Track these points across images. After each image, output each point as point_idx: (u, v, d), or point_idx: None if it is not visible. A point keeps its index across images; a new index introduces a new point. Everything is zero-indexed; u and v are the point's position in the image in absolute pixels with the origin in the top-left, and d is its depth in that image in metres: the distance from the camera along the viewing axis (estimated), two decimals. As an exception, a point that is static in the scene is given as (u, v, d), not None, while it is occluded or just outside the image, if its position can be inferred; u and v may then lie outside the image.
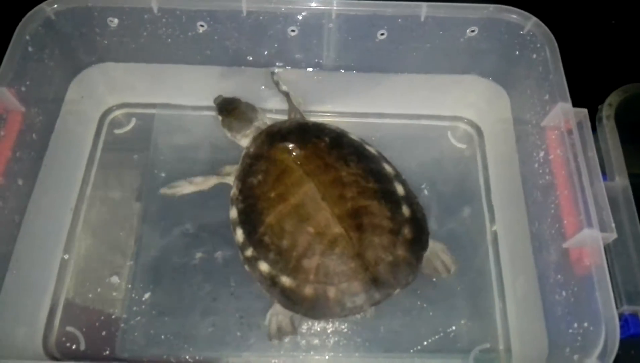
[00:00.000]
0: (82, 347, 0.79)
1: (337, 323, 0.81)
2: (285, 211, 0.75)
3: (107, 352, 0.79)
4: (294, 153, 0.80)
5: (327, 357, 0.79)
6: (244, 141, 0.88)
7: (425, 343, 0.80)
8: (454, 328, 0.81)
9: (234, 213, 0.81)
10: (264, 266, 0.76)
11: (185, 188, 0.88)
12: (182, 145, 0.97)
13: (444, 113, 0.99)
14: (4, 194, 0.71)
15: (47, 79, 0.82)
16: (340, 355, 0.80)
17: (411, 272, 0.74)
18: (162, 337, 0.80)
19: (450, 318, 0.82)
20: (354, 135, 0.88)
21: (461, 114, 0.99)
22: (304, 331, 0.81)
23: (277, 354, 0.80)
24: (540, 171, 0.76)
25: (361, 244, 0.72)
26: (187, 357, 0.79)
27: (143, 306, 0.82)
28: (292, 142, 0.82)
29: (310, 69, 0.93)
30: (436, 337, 0.81)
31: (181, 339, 0.80)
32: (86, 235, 0.88)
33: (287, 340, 0.79)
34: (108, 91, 0.96)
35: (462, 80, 0.94)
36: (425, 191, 0.92)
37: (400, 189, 0.81)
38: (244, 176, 0.82)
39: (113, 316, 0.81)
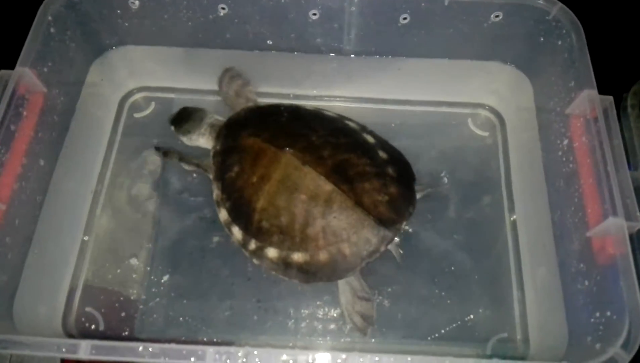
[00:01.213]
0: (101, 327, 0.80)
1: (354, 309, 0.81)
2: (272, 189, 0.74)
3: (126, 333, 0.80)
4: (261, 135, 0.79)
5: (342, 341, 0.80)
6: (204, 140, 0.88)
7: (442, 331, 0.80)
8: (471, 317, 0.81)
9: (223, 214, 0.80)
10: (271, 252, 0.75)
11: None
12: (200, 130, 0.97)
13: (465, 100, 0.98)
14: (26, 175, 0.71)
15: (69, 61, 0.82)
16: (357, 341, 0.80)
17: (410, 203, 0.77)
18: (180, 318, 0.81)
19: (468, 307, 0.81)
20: (309, 106, 0.89)
21: (482, 101, 0.98)
22: (320, 316, 0.81)
23: (294, 338, 0.80)
24: (564, 159, 0.75)
25: (355, 193, 0.72)
26: (205, 339, 0.79)
27: (162, 289, 0.82)
28: (255, 126, 0.82)
29: (332, 54, 0.92)
30: (454, 325, 0.80)
31: (199, 321, 0.80)
32: (106, 217, 0.88)
33: (300, 307, 0.81)
34: (128, 74, 0.97)
35: (485, 66, 0.92)
36: (445, 179, 0.91)
37: (370, 138, 0.83)
38: (221, 174, 0.80)
39: (132, 298, 0.82)
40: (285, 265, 0.75)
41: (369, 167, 0.76)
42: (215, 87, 0.98)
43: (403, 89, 0.97)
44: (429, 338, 0.80)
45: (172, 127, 0.90)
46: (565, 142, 0.75)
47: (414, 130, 0.96)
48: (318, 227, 0.73)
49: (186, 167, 0.89)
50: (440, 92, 0.97)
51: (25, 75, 0.72)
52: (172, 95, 0.99)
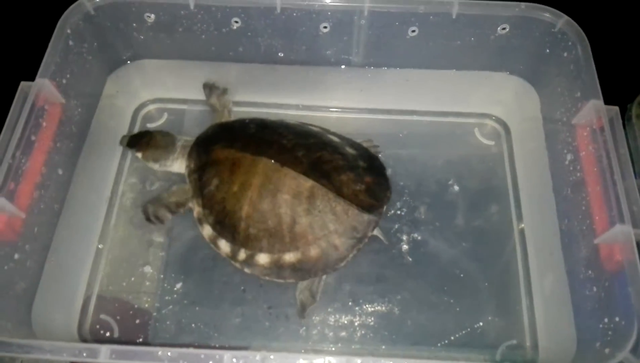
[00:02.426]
0: (116, 334, 0.81)
1: (364, 316, 0.82)
2: (255, 195, 0.76)
3: (140, 339, 0.81)
4: (234, 146, 0.80)
5: (353, 348, 0.80)
6: (176, 165, 0.88)
7: (452, 337, 0.81)
8: (480, 324, 0.82)
9: (207, 230, 0.80)
10: (263, 258, 0.77)
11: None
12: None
13: (471, 110, 1.00)
14: (45, 183, 0.73)
15: (86, 73, 0.84)
16: (367, 347, 0.80)
17: (386, 188, 0.81)
18: (193, 325, 0.82)
19: (477, 314, 0.82)
20: (273, 118, 0.89)
21: (489, 111, 0.99)
22: (331, 323, 0.82)
23: (305, 345, 0.81)
24: (571, 168, 0.76)
25: (335, 186, 0.75)
26: (217, 345, 0.80)
27: (174, 296, 0.84)
28: (226, 139, 0.83)
29: (342, 66, 0.94)
30: (463, 332, 0.81)
31: (211, 328, 0.82)
32: (120, 226, 0.90)
33: (311, 313, 0.82)
34: (142, 86, 0.99)
35: (491, 77, 0.94)
36: (452, 188, 0.93)
37: (335, 138, 0.86)
38: (200, 191, 0.81)
39: (145, 305, 0.83)
40: (278, 267, 0.77)
41: (341, 161, 0.78)
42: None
43: (411, 100, 0.99)
44: (438, 344, 0.81)
45: (137, 153, 0.88)
46: (572, 151, 0.76)
47: (421, 139, 0.97)
48: (305, 224, 0.74)
49: (168, 215, 0.86)
50: (448, 103, 0.99)
51: (45, 86, 0.74)
52: (184, 106, 1.01)
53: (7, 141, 0.68)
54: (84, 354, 0.57)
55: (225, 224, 0.78)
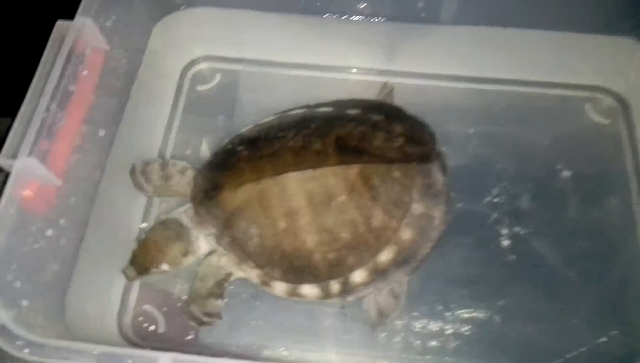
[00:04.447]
0: (161, 329, 0.69)
1: (457, 324, 0.69)
2: (309, 217, 0.62)
3: (190, 337, 0.68)
4: (245, 182, 0.63)
5: (445, 360, 0.67)
6: (202, 244, 0.68)
7: (567, 356, 0.67)
8: (604, 339, 0.67)
9: (280, 287, 0.64)
10: (359, 276, 0.63)
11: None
12: (270, 106, 0.83)
13: (581, 82, 0.84)
14: (84, 146, 0.60)
15: (132, 17, 0.72)
16: (462, 362, 0.67)
17: (422, 125, 0.71)
18: (252, 322, 0.69)
19: (599, 327, 0.68)
20: (243, 130, 0.73)
21: (603, 84, 0.84)
22: (417, 330, 0.68)
23: (385, 354, 0.68)
24: None
25: (377, 156, 0.64)
26: (281, 349, 0.67)
27: (231, 287, 0.70)
28: (229, 179, 0.64)
29: (430, 24, 0.79)
30: (581, 349, 0.67)
31: (273, 327, 0.69)
32: (166, 204, 0.76)
33: (394, 318, 0.67)
34: (192, 40, 0.85)
35: (611, 42, 0.80)
36: (562, 174, 0.78)
37: (327, 109, 0.72)
38: (243, 252, 0.64)
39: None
40: (379, 274, 0.64)
41: (361, 127, 0.67)
42: (288, 60, 0.86)
43: (509, 67, 0.84)
44: None
45: (147, 270, 0.66)
46: None
47: (521, 115, 0.83)
48: (379, 213, 0.63)
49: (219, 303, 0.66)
50: (554, 72, 0.84)
51: (87, 27, 0.61)
52: (239, 66, 0.88)
53: (40, 90, 0.55)
54: (137, 365, 0.43)
55: (298, 268, 0.63)
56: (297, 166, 0.62)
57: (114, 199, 0.69)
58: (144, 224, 0.74)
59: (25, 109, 0.55)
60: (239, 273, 0.66)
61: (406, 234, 0.64)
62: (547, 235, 0.73)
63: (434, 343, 0.68)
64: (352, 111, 0.71)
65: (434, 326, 0.68)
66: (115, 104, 0.68)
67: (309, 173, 0.61)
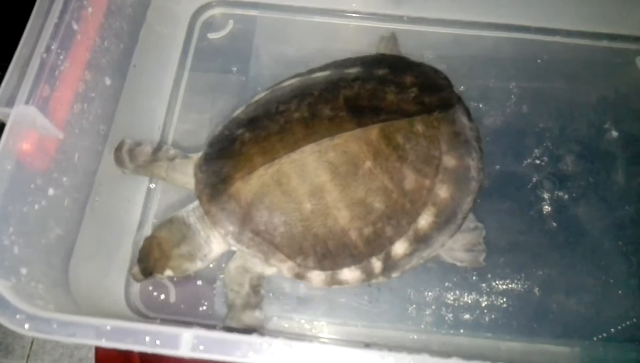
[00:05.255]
0: (172, 299, 0.64)
1: (493, 296, 0.64)
2: (336, 193, 0.55)
3: (204, 307, 0.63)
4: (257, 165, 0.56)
5: (480, 336, 0.62)
6: (214, 246, 0.60)
7: (612, 330, 0.63)
8: (653, 313, 0.62)
9: (318, 278, 0.57)
10: (399, 248, 0.58)
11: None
12: (289, 57, 0.77)
13: (632, 32, 0.78)
14: (88, 95, 0.53)
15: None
16: (500, 336, 0.62)
17: (434, 70, 0.65)
18: (271, 294, 0.64)
19: (648, 299, 0.63)
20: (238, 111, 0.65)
21: (656, 36, 0.77)
22: (449, 301, 0.63)
23: (414, 328, 0.63)
24: None
25: (395, 111, 0.58)
26: (304, 322, 0.62)
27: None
28: (237, 163, 0.57)
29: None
30: (627, 322, 0.63)
31: (295, 300, 0.64)
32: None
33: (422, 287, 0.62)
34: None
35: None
36: (610, 133, 0.72)
37: (329, 72, 0.65)
38: (272, 244, 0.57)
39: (210, 265, 0.64)
40: (421, 242, 0.58)
41: (367, 85, 0.61)
42: (309, 4, 0.78)
43: (553, 15, 0.77)
44: (594, 338, 0.63)
45: (160, 276, 0.59)
46: None
47: (566, 68, 0.76)
48: (410, 174, 0.57)
49: (258, 314, 0.60)
50: (601, 21, 0.77)
51: (89, -43, 0.52)
52: (254, 12, 0.80)
53: (39, 27, 0.47)
54: (157, 342, 0.38)
55: (333, 252, 0.57)
56: (311, 137, 0.55)
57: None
58: (153, 185, 0.68)
59: (23, 50, 0.48)
60: (269, 270, 0.59)
61: (442, 191, 0.58)
62: (591, 200, 0.69)
63: (467, 316, 0.63)
64: (352, 70, 0.64)
65: (468, 298, 0.64)
66: (123, 49, 0.61)
67: (326, 142, 0.55)
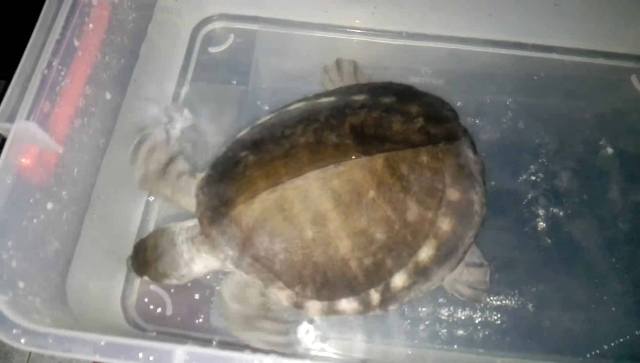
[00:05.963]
0: (169, 311, 0.64)
1: (487, 312, 0.64)
2: (338, 221, 0.55)
3: (200, 320, 0.63)
4: (260, 189, 0.55)
5: (473, 351, 0.63)
6: (195, 266, 0.60)
7: (605, 347, 0.63)
8: (645, 331, 0.63)
9: (315, 307, 0.57)
10: (398, 281, 0.57)
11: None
12: (289, 72, 0.78)
13: (627, 50, 0.78)
14: (88, 110, 0.54)
15: (141, -33, 0.64)
16: (493, 353, 0.63)
17: (440, 101, 0.66)
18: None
19: (639, 317, 0.64)
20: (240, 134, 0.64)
21: (652, 54, 0.77)
22: (443, 317, 0.64)
23: (408, 343, 0.63)
24: None
25: (400, 141, 0.58)
26: (299, 335, 0.62)
27: (245, 268, 0.65)
28: (239, 186, 0.57)
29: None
30: (621, 339, 0.64)
31: (293, 314, 0.63)
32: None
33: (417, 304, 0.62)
34: (205, -5, 0.78)
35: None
36: (605, 151, 0.73)
37: (331, 99, 0.65)
38: (271, 271, 0.56)
39: (207, 277, 0.64)
40: (420, 275, 0.57)
41: (373, 113, 0.60)
42: (309, 19, 0.79)
43: (550, 32, 0.78)
44: (588, 355, 0.63)
45: (140, 275, 0.61)
46: None
47: (562, 85, 0.77)
48: (413, 205, 0.56)
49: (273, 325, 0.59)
50: (598, 39, 0.78)
51: (92, -27, 0.54)
52: (254, 26, 0.81)
53: (40, 43, 0.48)
54: (150, 358, 0.38)
55: (332, 281, 0.56)
56: (316, 163, 0.54)
57: (120, 170, 0.63)
58: (152, 198, 0.69)
59: (24, 65, 0.49)
60: (272, 295, 0.58)
61: (445, 224, 0.57)
62: (586, 217, 0.69)
63: (461, 332, 0.63)
64: (358, 97, 0.64)
65: (462, 314, 0.64)
66: (124, 64, 0.62)
67: (330, 169, 0.54)
